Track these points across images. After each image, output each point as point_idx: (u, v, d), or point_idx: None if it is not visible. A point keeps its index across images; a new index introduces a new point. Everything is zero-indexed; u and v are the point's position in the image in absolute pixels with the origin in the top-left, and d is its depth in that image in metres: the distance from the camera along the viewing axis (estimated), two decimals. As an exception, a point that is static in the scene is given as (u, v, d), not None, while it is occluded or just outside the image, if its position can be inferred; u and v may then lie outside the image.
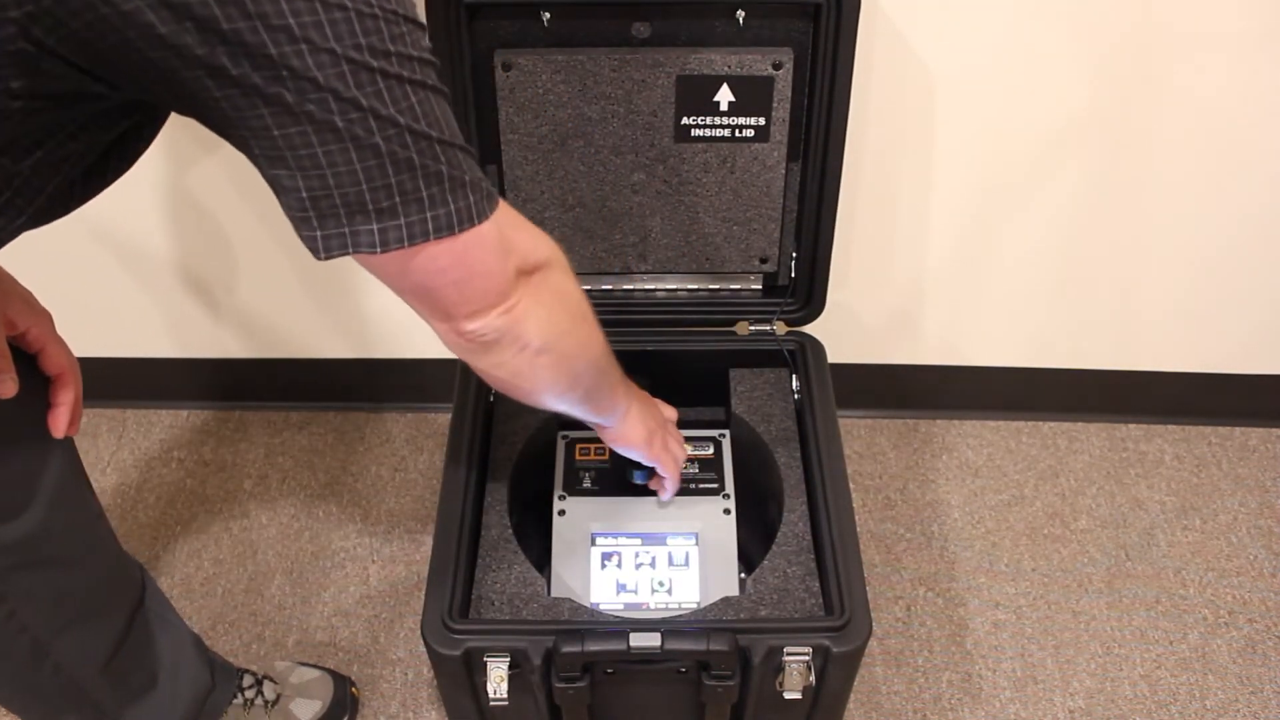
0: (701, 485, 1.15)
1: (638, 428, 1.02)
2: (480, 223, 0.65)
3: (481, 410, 1.16)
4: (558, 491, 1.15)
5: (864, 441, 1.61)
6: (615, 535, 1.12)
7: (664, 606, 1.07)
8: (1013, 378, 1.58)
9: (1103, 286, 1.45)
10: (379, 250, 0.62)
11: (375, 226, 0.61)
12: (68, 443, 0.86)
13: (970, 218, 1.37)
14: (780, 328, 1.24)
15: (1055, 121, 1.27)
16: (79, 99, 0.58)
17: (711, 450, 1.18)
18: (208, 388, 1.64)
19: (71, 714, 0.98)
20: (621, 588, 1.09)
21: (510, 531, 1.08)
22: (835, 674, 0.97)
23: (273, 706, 1.21)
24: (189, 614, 1.38)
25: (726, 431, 1.20)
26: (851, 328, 1.50)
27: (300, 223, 0.62)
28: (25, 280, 0.85)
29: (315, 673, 1.28)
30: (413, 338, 1.55)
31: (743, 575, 1.11)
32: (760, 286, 1.23)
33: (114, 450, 1.60)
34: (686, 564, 1.10)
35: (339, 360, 1.58)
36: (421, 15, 0.59)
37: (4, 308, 0.80)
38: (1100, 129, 1.27)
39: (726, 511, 1.13)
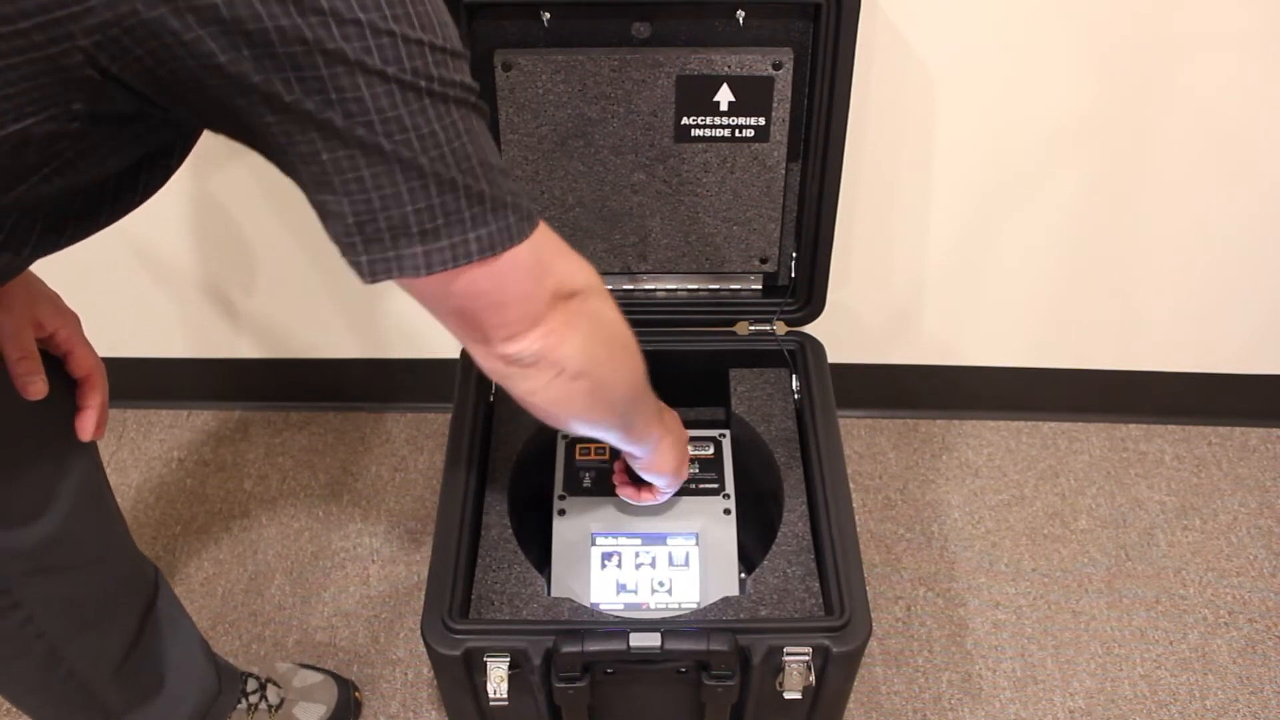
0: (702, 485, 1.15)
1: (669, 459, 1.02)
2: (519, 243, 0.66)
3: (481, 410, 1.16)
4: (558, 491, 1.15)
5: (864, 441, 1.61)
6: (615, 535, 1.11)
7: (664, 607, 1.07)
8: (1013, 378, 1.58)
9: (1103, 286, 1.45)
10: (424, 273, 0.63)
11: (420, 249, 0.62)
12: (90, 446, 0.85)
13: (970, 218, 1.37)
14: (780, 328, 1.24)
15: (1056, 121, 1.27)
16: (133, 119, 0.59)
17: (711, 450, 1.18)
18: (208, 388, 1.64)
19: (80, 716, 0.98)
20: (621, 588, 1.09)
21: (510, 531, 1.08)
22: (835, 674, 0.97)
23: (276, 710, 1.21)
24: (189, 613, 1.38)
25: (727, 432, 1.20)
26: (851, 328, 1.50)
27: (346, 248, 0.63)
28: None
29: (319, 676, 1.28)
30: (413, 338, 1.55)
31: (743, 575, 1.11)
32: (760, 286, 1.23)
33: (114, 450, 1.60)
34: (687, 564, 1.10)
35: (339, 360, 1.59)
36: (461, 45, 0.61)
37: (33, 309, 0.80)
38: (1100, 129, 1.27)
39: (727, 511, 1.13)
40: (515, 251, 0.66)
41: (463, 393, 1.16)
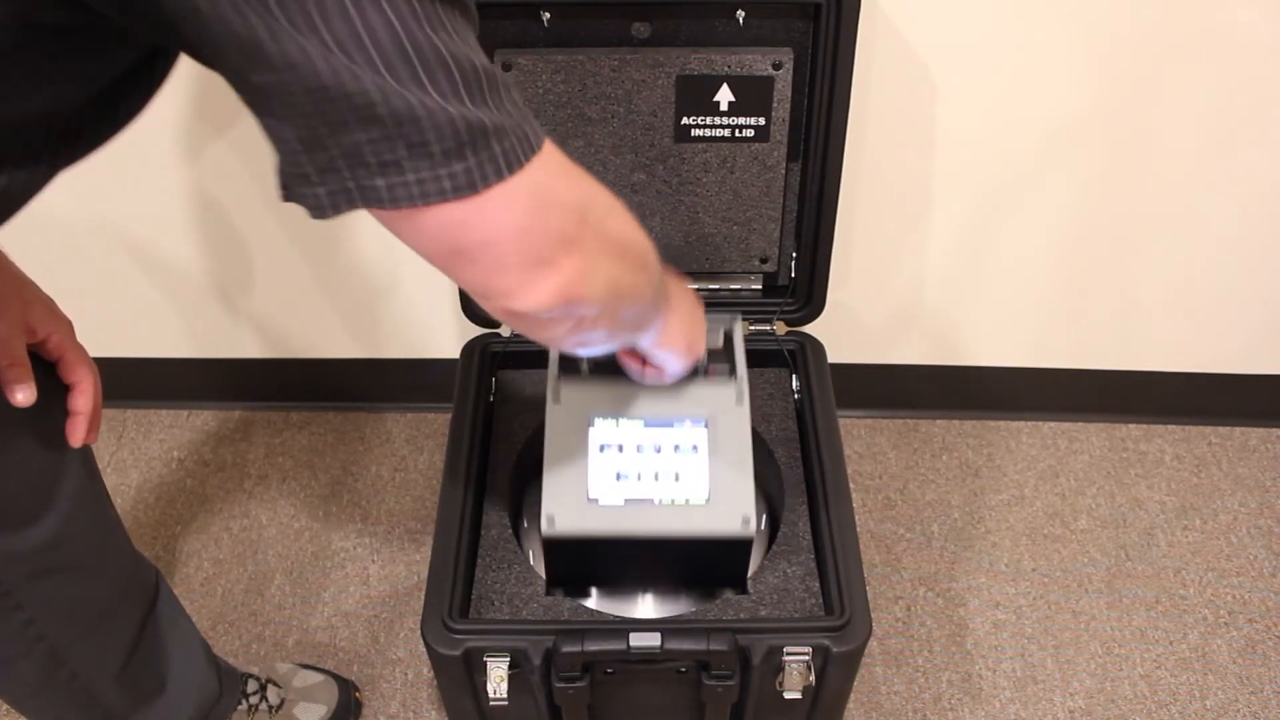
0: (711, 372, 1.06)
1: (676, 334, 0.90)
2: (510, 176, 0.56)
3: (481, 410, 1.16)
4: (551, 374, 1.06)
5: (864, 441, 1.61)
6: (616, 418, 1.03)
7: (670, 502, 0.99)
8: (1013, 378, 1.58)
9: (1103, 286, 1.45)
10: (388, 206, 0.54)
11: (382, 182, 0.53)
12: (85, 450, 0.85)
13: (970, 217, 1.37)
14: (780, 328, 1.24)
15: (1055, 121, 1.27)
16: (74, 33, 0.53)
17: (721, 340, 1.08)
18: (208, 388, 1.64)
19: (82, 718, 0.98)
20: (622, 477, 1.00)
21: (510, 532, 1.08)
22: (835, 674, 0.97)
23: (277, 711, 1.21)
24: (189, 614, 1.38)
25: (739, 316, 1.12)
26: (851, 328, 1.50)
27: (298, 179, 0.54)
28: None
29: (319, 676, 1.28)
30: (413, 338, 1.55)
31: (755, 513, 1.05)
32: (760, 286, 1.23)
33: (114, 450, 1.60)
34: (695, 451, 1.00)
35: (339, 360, 1.59)
36: None
37: (26, 315, 0.78)
38: (1100, 128, 1.27)
39: (739, 399, 1.03)
40: (506, 185, 0.56)
41: (463, 392, 1.16)
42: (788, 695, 0.97)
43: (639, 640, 0.92)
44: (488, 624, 0.99)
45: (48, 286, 0.85)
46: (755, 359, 1.24)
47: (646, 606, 1.12)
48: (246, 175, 1.34)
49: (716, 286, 1.23)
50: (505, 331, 1.23)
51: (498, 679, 0.95)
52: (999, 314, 1.50)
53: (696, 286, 1.23)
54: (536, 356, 1.22)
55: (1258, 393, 1.58)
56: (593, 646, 0.92)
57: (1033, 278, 1.44)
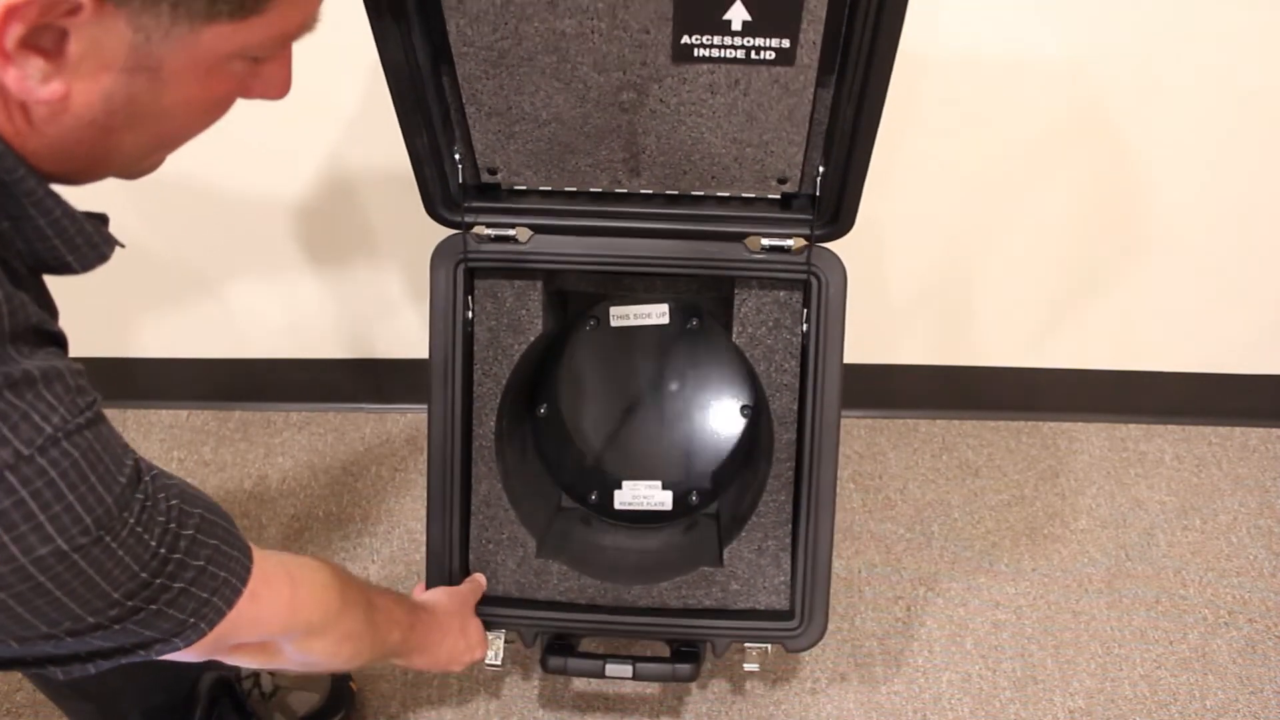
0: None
1: (425, 664, 1.03)
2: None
3: (461, 345, 1.09)
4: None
5: (864, 441, 1.61)
6: None
7: None
8: (1013, 378, 1.58)
9: (1103, 286, 1.45)
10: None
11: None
12: None
13: (970, 217, 1.37)
14: (797, 243, 1.05)
15: (1056, 119, 1.27)
16: None
17: None
18: (208, 388, 1.64)
19: (73, 702, 0.99)
20: None
21: (500, 485, 1.13)
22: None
23: (270, 698, 1.22)
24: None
25: None
26: (851, 328, 1.49)
27: None
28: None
29: None
30: (413, 338, 1.55)
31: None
32: (778, 196, 1.05)
33: (114, 450, 1.60)
34: None
35: (339, 360, 1.59)
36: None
37: None
38: (1101, 127, 1.27)
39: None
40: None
41: (441, 320, 1.08)
42: (747, 667, 1.12)
43: (614, 670, 1.10)
44: (482, 605, 1.12)
45: (51, 287, 0.85)
46: (765, 283, 1.10)
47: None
48: (246, 174, 1.34)
49: (726, 195, 1.05)
50: (480, 232, 1.07)
51: (495, 649, 1.11)
52: (999, 314, 1.50)
53: (702, 193, 1.06)
54: (512, 272, 1.11)
55: (1258, 393, 1.58)
56: (574, 668, 1.11)
57: (1033, 277, 1.44)
